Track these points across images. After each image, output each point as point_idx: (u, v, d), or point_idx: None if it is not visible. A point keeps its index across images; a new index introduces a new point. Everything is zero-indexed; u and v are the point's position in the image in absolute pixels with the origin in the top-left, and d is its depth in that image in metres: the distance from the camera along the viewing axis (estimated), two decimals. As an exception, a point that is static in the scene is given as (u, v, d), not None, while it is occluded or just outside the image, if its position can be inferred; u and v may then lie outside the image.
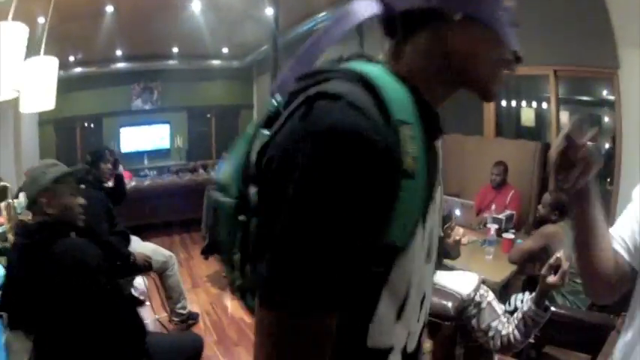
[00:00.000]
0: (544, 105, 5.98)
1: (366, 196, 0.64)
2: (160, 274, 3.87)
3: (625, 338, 1.27)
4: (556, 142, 1.07)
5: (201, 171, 9.04)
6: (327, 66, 0.78)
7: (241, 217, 0.78)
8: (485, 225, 4.34)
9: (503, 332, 1.95)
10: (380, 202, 0.66)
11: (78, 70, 9.34)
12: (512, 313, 2.04)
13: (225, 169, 0.88)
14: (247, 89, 12.24)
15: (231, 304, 4.47)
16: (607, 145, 5.95)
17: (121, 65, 10.00)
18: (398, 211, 0.68)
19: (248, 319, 4.11)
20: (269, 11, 7.53)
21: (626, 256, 1.23)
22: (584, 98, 6.30)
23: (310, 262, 0.64)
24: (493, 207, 4.69)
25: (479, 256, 3.87)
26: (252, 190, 0.75)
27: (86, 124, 10.35)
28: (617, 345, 1.32)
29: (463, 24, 0.73)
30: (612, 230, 1.27)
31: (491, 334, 1.99)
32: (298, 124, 0.66)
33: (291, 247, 0.64)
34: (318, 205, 0.63)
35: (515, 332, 1.90)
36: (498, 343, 1.94)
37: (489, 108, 6.21)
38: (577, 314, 2.94)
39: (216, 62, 11.29)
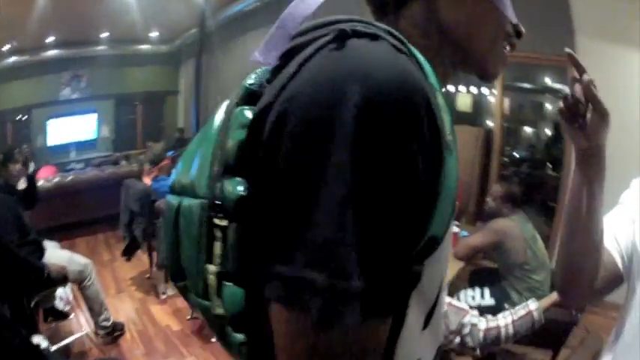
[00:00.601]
0: (483, 90, 6.09)
1: (423, 164, 0.50)
2: (78, 284, 3.61)
3: (618, 345, 1.14)
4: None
5: (123, 162, 8.65)
6: (330, 18, 0.60)
7: (220, 221, 0.59)
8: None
9: (488, 325, 1.81)
10: (433, 175, 0.52)
11: (8, 60, 8.97)
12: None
13: (185, 166, 0.72)
14: (174, 74, 12.03)
15: (156, 311, 4.28)
16: (549, 132, 6.19)
17: (51, 53, 9.60)
18: (442, 193, 0.54)
19: (175, 327, 3.97)
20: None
21: (618, 260, 1.10)
22: (526, 86, 6.45)
23: (370, 251, 0.48)
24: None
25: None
26: (228, 186, 0.58)
27: (17, 118, 9.88)
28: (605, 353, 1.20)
29: None
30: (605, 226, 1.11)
31: (466, 331, 1.85)
32: (330, 65, 0.50)
33: (344, 231, 0.47)
34: (380, 172, 0.47)
35: (510, 327, 1.78)
36: (481, 336, 1.80)
37: None
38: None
39: (144, 47, 11.02)
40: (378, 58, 0.49)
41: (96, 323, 3.69)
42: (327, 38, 0.52)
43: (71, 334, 3.66)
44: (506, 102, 6.00)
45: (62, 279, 3.25)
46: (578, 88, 0.94)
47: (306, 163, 0.49)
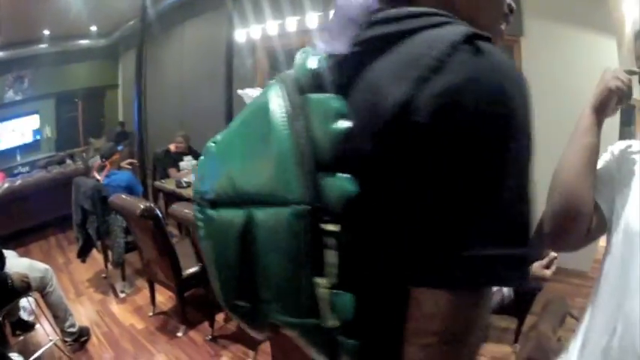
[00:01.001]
0: None
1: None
2: (41, 291, 3.48)
3: (587, 322, 1.25)
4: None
5: (68, 161, 8.45)
6: (418, 9, 0.62)
7: (332, 227, 0.55)
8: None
9: None
10: None
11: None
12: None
13: (232, 170, 0.66)
14: (114, 68, 11.89)
15: (118, 311, 4.23)
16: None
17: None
18: None
19: (139, 325, 3.92)
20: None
21: (604, 207, 1.20)
22: None
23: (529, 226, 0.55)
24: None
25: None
26: (333, 185, 0.55)
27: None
28: (580, 328, 1.29)
29: None
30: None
31: None
32: (485, 66, 0.53)
33: (527, 207, 0.54)
34: (529, 154, 0.54)
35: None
36: None
37: None
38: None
39: (84, 42, 10.81)
40: (505, 60, 0.55)
41: (62, 330, 3.58)
42: (456, 37, 0.54)
43: (39, 345, 3.56)
44: None
45: (26, 288, 3.15)
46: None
47: (492, 151, 0.52)
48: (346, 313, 0.57)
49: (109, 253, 4.66)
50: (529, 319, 2.92)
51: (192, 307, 3.94)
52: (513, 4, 0.80)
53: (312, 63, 0.63)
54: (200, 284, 3.76)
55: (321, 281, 0.56)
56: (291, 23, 6.73)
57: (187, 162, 6.01)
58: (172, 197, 5.15)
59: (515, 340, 3.05)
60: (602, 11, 5.14)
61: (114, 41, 11.20)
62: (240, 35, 7.57)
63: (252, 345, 3.42)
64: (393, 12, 0.62)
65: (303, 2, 6.41)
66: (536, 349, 2.56)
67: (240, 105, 7.57)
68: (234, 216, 0.63)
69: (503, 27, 0.79)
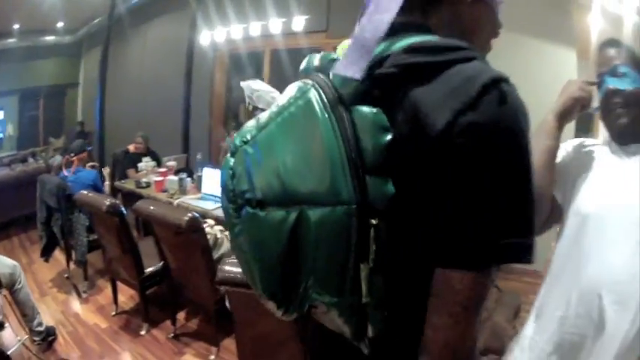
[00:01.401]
0: None
1: None
2: (10, 288, 3.47)
3: (542, 297, 1.51)
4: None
5: (31, 160, 8.53)
6: (453, 42, 0.76)
7: (375, 221, 0.69)
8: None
9: None
10: None
11: None
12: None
13: (280, 173, 0.76)
14: (75, 66, 11.72)
15: (81, 310, 4.30)
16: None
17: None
18: None
19: (102, 325, 4.00)
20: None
21: (559, 196, 1.50)
22: None
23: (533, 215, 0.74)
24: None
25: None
26: (379, 186, 0.70)
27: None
28: (534, 305, 1.56)
29: (474, 2, 0.88)
30: None
31: None
32: (511, 104, 0.70)
33: (525, 202, 0.72)
34: (530, 166, 0.71)
35: None
36: None
37: None
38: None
39: (50, 38, 10.71)
40: (518, 99, 0.72)
41: (30, 330, 3.58)
42: (486, 80, 0.69)
43: (7, 346, 3.51)
44: None
45: (-3, 284, 3.11)
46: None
47: (513, 164, 0.69)
48: (380, 291, 0.72)
49: (72, 252, 4.70)
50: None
51: (154, 305, 4.03)
52: (502, 23, 0.98)
53: (353, 75, 0.76)
54: (162, 282, 3.87)
55: (364, 266, 0.70)
56: (255, 28, 6.88)
57: (146, 163, 6.04)
58: (131, 197, 5.17)
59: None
60: (563, 23, 5.43)
61: (78, 39, 11.10)
62: (204, 37, 7.68)
63: (215, 341, 3.55)
64: (431, 42, 0.77)
65: (267, 8, 6.58)
66: (491, 337, 2.68)
67: (199, 106, 7.53)
68: (285, 215, 0.74)
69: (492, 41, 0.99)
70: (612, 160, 1.47)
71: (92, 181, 4.75)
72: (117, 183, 5.92)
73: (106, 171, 7.25)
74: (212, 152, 7.53)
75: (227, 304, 2.67)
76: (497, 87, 0.70)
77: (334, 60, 0.92)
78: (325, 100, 0.75)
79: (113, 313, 4.16)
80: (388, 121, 0.72)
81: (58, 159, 7.18)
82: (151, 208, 3.57)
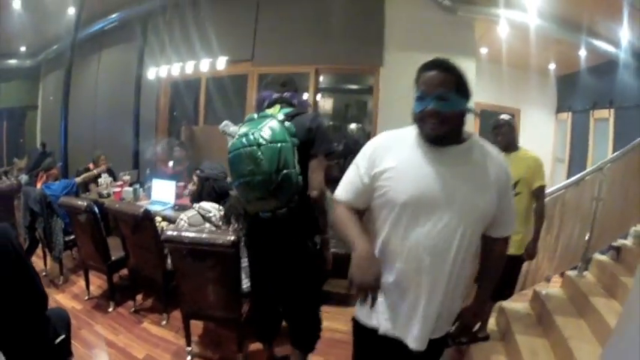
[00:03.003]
0: (304, 95, 7.52)
1: None
2: None
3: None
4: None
5: (4, 178, 9.22)
6: (302, 109, 3.06)
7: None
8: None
9: None
10: None
11: None
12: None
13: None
14: (35, 89, 12.52)
15: (60, 298, 5.26)
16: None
17: None
18: None
19: (78, 307, 5.00)
20: (70, 10, 8.47)
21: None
22: (354, 87, 8.38)
23: None
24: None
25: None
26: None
27: None
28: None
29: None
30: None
31: None
32: (320, 120, 3.03)
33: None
34: None
35: None
36: None
37: (251, 99, 8.06)
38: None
39: (12, 62, 11.53)
40: (321, 119, 2.97)
41: None
42: (313, 116, 2.95)
43: None
44: (330, 102, 7.96)
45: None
46: None
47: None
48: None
49: (49, 253, 5.69)
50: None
51: (118, 290, 5.13)
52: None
53: (282, 112, 2.87)
54: (124, 267, 5.01)
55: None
56: (189, 66, 8.36)
57: (104, 178, 7.33)
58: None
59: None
60: (462, 38, 6.88)
61: (38, 62, 11.82)
62: (150, 71, 9.01)
63: (165, 311, 4.70)
64: (299, 108, 3.00)
65: (198, 50, 8.14)
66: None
67: (147, 127, 9.17)
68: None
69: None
70: (424, 158, 1.90)
71: (63, 190, 5.87)
72: (82, 195, 6.91)
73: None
74: (158, 166, 8.33)
75: (169, 263, 3.93)
76: (316, 116, 2.94)
77: (265, 116, 2.87)
78: (277, 120, 2.78)
79: (86, 297, 5.19)
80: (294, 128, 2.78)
81: (24, 178, 8.13)
82: (117, 205, 4.91)
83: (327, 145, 2.91)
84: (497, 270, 2.23)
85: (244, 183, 2.73)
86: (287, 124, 2.77)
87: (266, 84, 3.13)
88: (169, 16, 8.83)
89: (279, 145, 2.68)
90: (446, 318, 2.03)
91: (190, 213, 3.90)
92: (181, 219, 3.85)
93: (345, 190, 2.09)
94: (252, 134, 2.70)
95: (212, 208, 3.92)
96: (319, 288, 3.33)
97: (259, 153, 2.66)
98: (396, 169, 1.93)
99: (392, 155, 1.96)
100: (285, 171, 2.67)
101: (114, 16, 9.18)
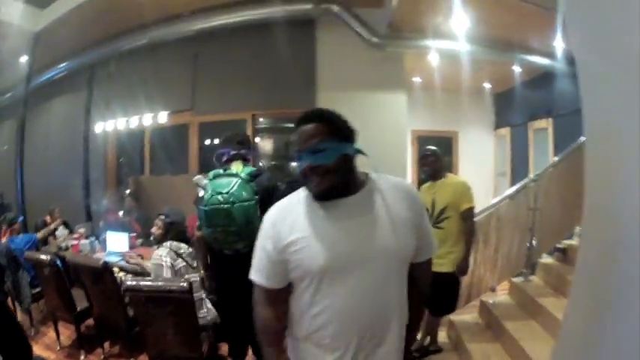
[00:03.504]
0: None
1: None
2: None
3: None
4: None
5: None
6: (262, 169, 3.93)
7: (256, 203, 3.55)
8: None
9: None
10: None
11: None
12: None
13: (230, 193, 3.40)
14: None
15: (35, 348, 4.98)
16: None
17: None
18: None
19: (52, 356, 5.21)
20: (23, 58, 8.69)
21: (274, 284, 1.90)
22: (292, 125, 8.71)
23: None
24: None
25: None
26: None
27: None
28: None
29: None
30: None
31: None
32: (271, 178, 3.73)
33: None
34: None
35: None
36: None
37: (193, 148, 8.40)
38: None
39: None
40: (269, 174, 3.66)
41: None
42: (269, 176, 3.68)
43: None
44: (269, 143, 8.34)
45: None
46: None
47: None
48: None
49: (19, 305, 5.80)
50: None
51: (87, 339, 5.35)
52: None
53: (245, 172, 3.52)
54: (90, 316, 5.24)
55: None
56: (134, 120, 8.75)
57: (61, 231, 7.60)
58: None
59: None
60: (392, 72, 7.32)
61: None
62: (97, 126, 9.35)
63: (132, 356, 4.96)
64: (259, 169, 3.71)
65: (140, 103, 8.53)
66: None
67: (96, 180, 9.49)
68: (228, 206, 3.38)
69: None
70: (325, 219, 1.78)
71: (26, 244, 6.13)
72: (43, 249, 7.13)
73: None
74: (108, 218, 8.61)
75: (130, 311, 4.24)
76: (272, 177, 3.64)
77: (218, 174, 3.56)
78: (240, 178, 3.47)
79: (58, 348, 5.39)
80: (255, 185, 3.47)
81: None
82: (77, 258, 5.30)
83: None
84: (427, 288, 2.11)
85: (220, 231, 3.47)
86: (251, 184, 3.53)
87: (224, 141, 3.88)
88: (114, 68, 9.12)
89: (246, 203, 3.43)
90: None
91: (164, 251, 4.28)
92: (160, 256, 4.26)
93: (259, 272, 1.90)
94: (227, 193, 3.44)
95: (182, 246, 4.36)
96: None
97: (233, 211, 3.39)
98: (301, 239, 1.79)
99: (292, 225, 1.83)
100: (251, 224, 3.35)
101: (63, 65, 9.41)
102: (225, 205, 3.40)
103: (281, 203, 1.94)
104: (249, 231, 3.29)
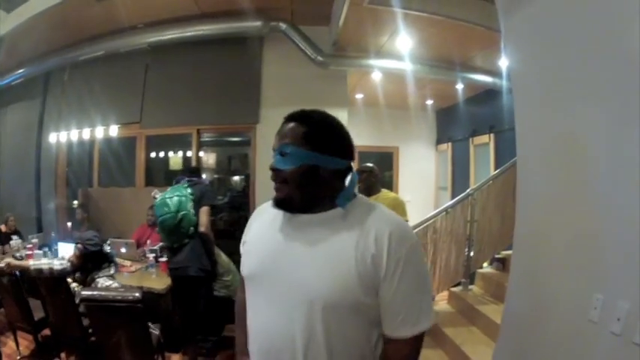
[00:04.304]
0: (188, 153, 8.53)
1: None
2: None
3: None
4: None
5: None
6: (205, 184, 5.36)
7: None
8: (145, 255, 6.78)
9: None
10: None
11: None
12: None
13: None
14: None
15: None
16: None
17: None
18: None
19: None
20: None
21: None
22: (235, 139, 9.15)
23: None
24: (149, 241, 7.01)
25: (147, 276, 6.13)
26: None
27: None
28: None
29: None
30: None
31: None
32: (208, 187, 5.29)
33: None
34: None
35: None
36: None
37: (140, 161, 8.66)
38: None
39: None
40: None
41: None
42: (203, 183, 5.19)
43: None
44: (213, 157, 8.84)
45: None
46: None
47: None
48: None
49: None
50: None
51: (45, 349, 5.50)
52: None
53: (186, 184, 4.95)
54: (47, 326, 5.43)
55: None
56: (85, 132, 8.96)
57: (16, 241, 7.84)
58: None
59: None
60: (335, 89, 7.72)
61: None
62: (51, 136, 9.48)
63: None
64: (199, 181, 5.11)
65: (91, 114, 8.77)
66: None
67: (47, 189, 9.60)
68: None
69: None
70: (279, 230, 1.64)
71: None
72: None
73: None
74: (60, 229, 8.98)
75: (86, 321, 4.48)
76: (207, 185, 4.16)
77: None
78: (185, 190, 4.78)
79: (18, 357, 5.57)
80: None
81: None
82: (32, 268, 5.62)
83: (211, 201, 5.29)
84: None
85: (161, 221, 4.89)
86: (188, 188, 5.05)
87: (182, 170, 5.41)
88: (67, 77, 9.26)
89: (181, 197, 4.92)
90: None
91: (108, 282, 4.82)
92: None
93: (242, 263, 1.77)
94: (168, 195, 4.96)
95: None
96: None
97: (168, 201, 4.86)
98: (249, 242, 1.75)
99: (254, 226, 1.78)
100: (183, 212, 4.85)
101: (21, 71, 9.26)
102: (166, 199, 4.98)
103: (266, 203, 1.76)
104: (181, 221, 4.88)
